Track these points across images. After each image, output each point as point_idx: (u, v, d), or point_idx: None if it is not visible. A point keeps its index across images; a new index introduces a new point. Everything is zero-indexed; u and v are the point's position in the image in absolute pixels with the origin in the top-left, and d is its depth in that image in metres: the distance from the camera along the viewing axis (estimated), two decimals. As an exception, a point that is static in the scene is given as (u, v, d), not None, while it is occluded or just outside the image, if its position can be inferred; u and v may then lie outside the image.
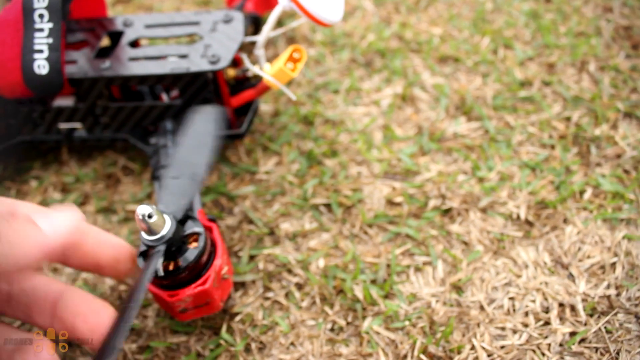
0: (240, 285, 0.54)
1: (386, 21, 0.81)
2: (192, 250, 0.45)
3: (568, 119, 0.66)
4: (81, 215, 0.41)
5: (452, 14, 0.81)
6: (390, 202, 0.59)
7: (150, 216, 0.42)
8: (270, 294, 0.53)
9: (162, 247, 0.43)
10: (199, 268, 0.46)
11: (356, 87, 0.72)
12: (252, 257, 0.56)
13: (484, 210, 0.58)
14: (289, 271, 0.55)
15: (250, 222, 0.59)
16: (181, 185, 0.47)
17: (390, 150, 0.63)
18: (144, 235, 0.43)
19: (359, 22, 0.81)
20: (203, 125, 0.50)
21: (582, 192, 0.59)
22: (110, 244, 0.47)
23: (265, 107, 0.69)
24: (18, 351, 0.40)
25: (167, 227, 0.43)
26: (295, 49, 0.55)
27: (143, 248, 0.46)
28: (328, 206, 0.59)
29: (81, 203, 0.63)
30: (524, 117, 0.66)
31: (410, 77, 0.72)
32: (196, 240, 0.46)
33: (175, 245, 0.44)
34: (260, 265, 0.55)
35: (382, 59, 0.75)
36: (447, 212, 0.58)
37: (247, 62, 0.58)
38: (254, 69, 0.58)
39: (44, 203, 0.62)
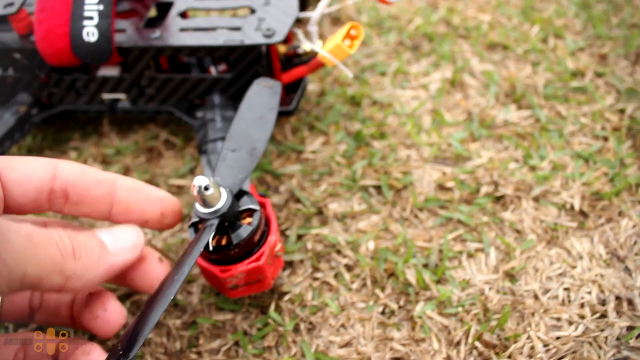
0: (288, 265, 0.53)
1: (433, 6, 0.79)
2: (246, 227, 0.43)
3: (622, 111, 0.64)
4: (142, 234, 0.42)
5: (500, 1, 0.79)
6: (441, 187, 0.58)
7: (206, 188, 0.40)
8: (319, 275, 0.52)
9: (215, 221, 0.42)
10: (250, 245, 0.44)
11: (404, 70, 0.70)
12: (299, 237, 0.55)
13: (536, 199, 0.56)
14: (338, 252, 0.53)
15: (297, 201, 0.57)
16: (239, 158, 0.46)
17: (439, 135, 0.62)
18: (197, 207, 0.42)
19: (405, 5, 0.80)
20: (265, 98, 0.49)
21: (637, 185, 0.57)
22: (156, 199, 0.46)
23: (310, 86, 0.68)
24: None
25: (222, 201, 0.42)
26: (352, 25, 0.53)
27: (195, 219, 0.45)
28: (377, 188, 0.58)
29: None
30: (575, 108, 0.65)
31: (458, 62, 0.71)
32: (250, 216, 0.45)
33: (229, 220, 0.43)
34: (309, 245, 0.54)
35: (430, 43, 0.74)
36: (499, 199, 0.56)
37: (301, 37, 0.57)
38: (310, 45, 0.56)
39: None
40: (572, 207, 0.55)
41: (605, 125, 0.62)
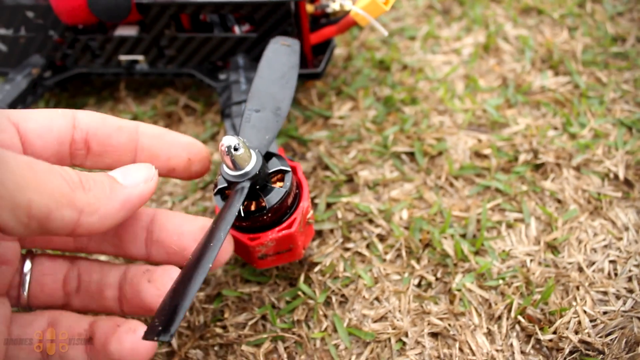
0: (317, 234, 0.50)
1: (462, -31, 0.76)
2: (278, 189, 0.40)
3: (666, 77, 0.61)
4: (154, 168, 0.38)
5: (533, -36, 0.76)
6: (477, 154, 0.55)
7: (236, 149, 0.37)
8: (350, 245, 0.49)
9: (246, 184, 0.39)
10: (282, 211, 0.41)
11: (434, 34, 0.67)
12: (329, 205, 0.52)
13: (577, 168, 0.53)
14: (370, 221, 0.50)
15: (326, 167, 0.54)
16: (264, 118, 0.43)
17: (473, 101, 0.59)
18: (226, 169, 0.39)
19: (433, -32, 0.76)
20: (284, 56, 0.46)
21: (684, 154, 0.54)
22: (182, 144, 0.42)
23: (337, 50, 0.65)
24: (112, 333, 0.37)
25: (252, 162, 0.39)
26: None
27: (223, 184, 0.41)
28: (410, 155, 0.55)
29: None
30: (616, 74, 0.61)
31: (491, 27, 0.67)
32: (281, 179, 0.42)
33: (260, 183, 0.40)
34: (339, 214, 0.51)
35: (461, 7, 0.70)
36: (538, 167, 0.53)
37: None
38: (342, 2, 0.53)
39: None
40: (616, 176, 0.52)
41: (648, 92, 0.59)
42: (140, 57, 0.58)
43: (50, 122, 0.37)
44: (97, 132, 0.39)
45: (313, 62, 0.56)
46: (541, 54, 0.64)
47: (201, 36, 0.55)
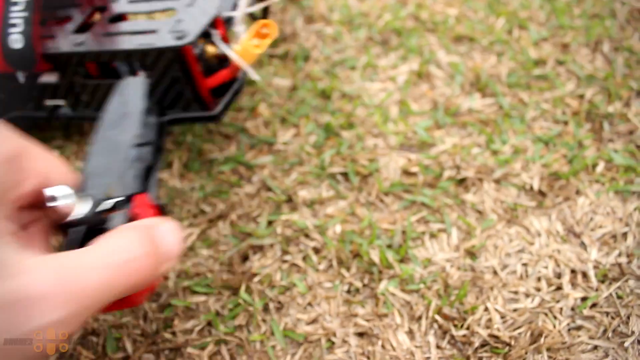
0: (258, 249, 0.55)
1: (402, 2, 0.82)
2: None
3: (581, 96, 0.67)
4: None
5: (468, -5, 0.82)
6: (406, 172, 0.60)
7: (54, 199, 0.38)
8: (288, 257, 0.54)
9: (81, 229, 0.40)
10: None
11: (373, 64, 0.73)
12: (270, 223, 0.57)
13: (497, 181, 0.59)
14: (307, 236, 0.56)
15: (269, 189, 0.60)
16: (105, 164, 0.43)
17: (406, 124, 0.65)
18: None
19: (375, 2, 0.82)
20: (126, 98, 0.47)
21: (594, 166, 0.60)
22: None
23: (283, 81, 0.71)
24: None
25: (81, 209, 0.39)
26: (264, 24, 0.53)
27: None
28: (345, 175, 0.60)
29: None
30: (537, 94, 0.67)
31: (426, 55, 0.73)
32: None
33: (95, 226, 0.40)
34: (279, 230, 0.56)
35: (399, 37, 0.76)
36: (461, 182, 0.59)
37: (216, 38, 0.56)
38: (221, 47, 0.55)
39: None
40: (531, 188, 0.58)
41: (565, 110, 0.65)
42: (62, 102, 0.61)
43: None
44: None
45: (212, 104, 0.58)
46: (470, 79, 0.70)
47: (106, 82, 0.58)
